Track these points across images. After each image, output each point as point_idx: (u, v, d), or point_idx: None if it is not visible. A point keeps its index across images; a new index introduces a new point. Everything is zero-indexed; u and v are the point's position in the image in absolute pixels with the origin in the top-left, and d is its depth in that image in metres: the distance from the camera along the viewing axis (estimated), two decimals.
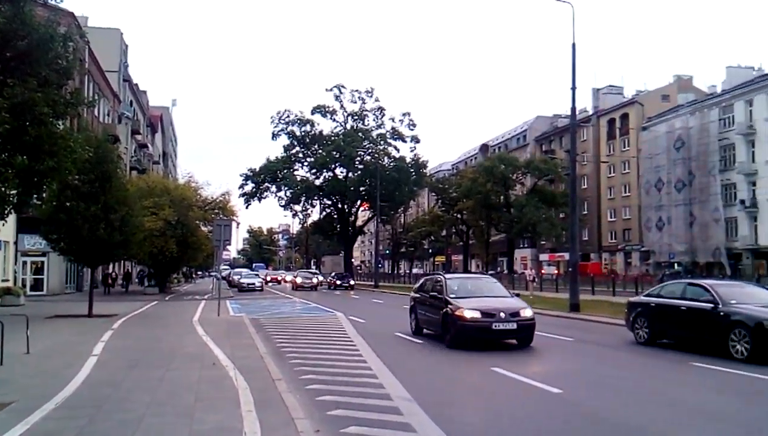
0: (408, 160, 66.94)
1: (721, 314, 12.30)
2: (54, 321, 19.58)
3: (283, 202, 68.50)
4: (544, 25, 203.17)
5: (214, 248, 27.52)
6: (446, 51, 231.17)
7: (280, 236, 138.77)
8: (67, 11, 30.80)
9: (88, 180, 20.71)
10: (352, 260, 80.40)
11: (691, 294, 13.51)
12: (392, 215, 79.60)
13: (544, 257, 79.83)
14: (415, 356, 13.46)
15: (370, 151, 66.35)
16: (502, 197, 68.50)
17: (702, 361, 11.78)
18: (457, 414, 7.92)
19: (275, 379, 9.52)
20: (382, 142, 66.80)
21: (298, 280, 51.58)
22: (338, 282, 53.76)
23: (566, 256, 49.61)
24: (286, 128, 66.73)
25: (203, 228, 42.61)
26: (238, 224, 52.52)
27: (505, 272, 66.24)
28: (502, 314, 13.28)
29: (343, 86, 66.77)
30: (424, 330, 15.89)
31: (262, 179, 66.11)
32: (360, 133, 65.93)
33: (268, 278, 67.75)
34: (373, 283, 57.87)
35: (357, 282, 60.61)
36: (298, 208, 71.49)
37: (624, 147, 70.62)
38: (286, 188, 66.85)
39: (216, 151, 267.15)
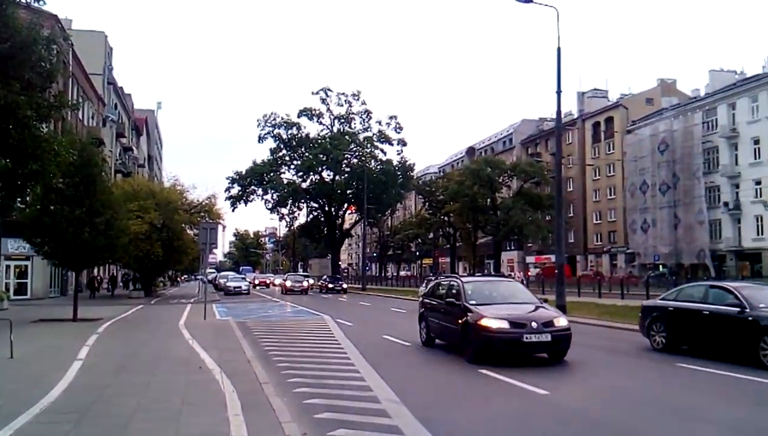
0: (395, 163, 66.97)
1: (750, 318, 11.52)
2: (38, 325, 19.37)
3: (270, 205, 68.31)
4: (529, 29, 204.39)
5: (200, 251, 27.39)
6: (433, 54, 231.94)
7: (267, 239, 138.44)
8: (50, 14, 30.60)
9: (73, 183, 20.55)
10: (340, 263, 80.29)
11: (714, 298, 12.70)
12: (379, 218, 79.60)
13: (530, 259, 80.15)
14: (403, 358, 13.45)
15: (356, 154, 66.32)
16: (488, 200, 68.70)
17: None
18: (444, 416, 7.93)
19: (262, 382, 9.48)
20: (368, 145, 66.77)
21: (288, 283, 50.60)
22: (330, 285, 52.17)
23: (553, 258, 49.82)
24: (273, 131, 66.53)
25: (189, 231, 42.46)
26: (224, 227, 52.41)
27: (492, 273, 66.42)
28: (534, 324, 11.62)
29: (329, 89, 66.76)
30: (437, 341, 14.34)
31: (249, 182, 65.85)
32: (347, 137, 65.88)
33: (257, 282, 67.44)
34: (360, 286, 57.75)
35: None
36: (284, 211, 71.30)
37: (609, 150, 71.12)
38: (272, 191, 66.64)
39: (202, 154, 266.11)
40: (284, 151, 67.38)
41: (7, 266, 35.72)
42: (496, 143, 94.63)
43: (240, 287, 48.16)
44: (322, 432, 6.94)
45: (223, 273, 65.76)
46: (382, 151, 67.22)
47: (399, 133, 67.44)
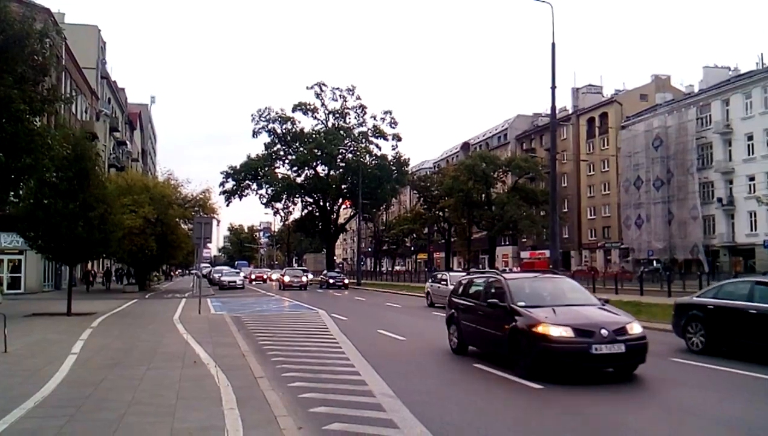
0: (390, 158, 67.02)
1: None
2: (32, 320, 19.29)
3: (265, 200, 68.33)
4: (524, 25, 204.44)
5: (194, 245, 27.31)
6: (428, 50, 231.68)
7: (262, 233, 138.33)
8: (43, 7, 30.49)
9: (66, 177, 20.43)
10: (335, 258, 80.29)
11: (761, 295, 11.56)
12: (374, 213, 79.59)
13: (525, 254, 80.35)
14: (398, 353, 13.45)
15: (351, 148, 66.32)
16: (483, 195, 68.85)
17: None
18: (439, 410, 7.93)
19: (257, 377, 9.48)
20: (363, 140, 66.79)
21: (286, 278, 48.48)
22: (331, 281, 50.23)
23: (547, 253, 50.06)
24: (267, 126, 66.46)
25: (183, 226, 42.32)
26: (218, 221, 52.19)
27: (487, 268, 66.47)
28: (604, 332, 9.35)
29: (324, 84, 66.72)
30: (470, 348, 12.32)
31: (243, 177, 65.80)
32: (341, 131, 65.84)
33: (253, 276, 66.91)
34: (355, 280, 57.79)
35: None
36: (279, 205, 71.37)
37: (603, 146, 71.28)
38: (267, 186, 66.63)
39: (196, 148, 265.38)
40: (279, 146, 67.30)
41: (1, 260, 35.62)
42: (491, 138, 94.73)
43: (234, 282, 48.01)
44: (317, 426, 6.95)
45: (217, 268, 65.38)
46: (376, 146, 67.39)
47: (394, 128, 67.55)
